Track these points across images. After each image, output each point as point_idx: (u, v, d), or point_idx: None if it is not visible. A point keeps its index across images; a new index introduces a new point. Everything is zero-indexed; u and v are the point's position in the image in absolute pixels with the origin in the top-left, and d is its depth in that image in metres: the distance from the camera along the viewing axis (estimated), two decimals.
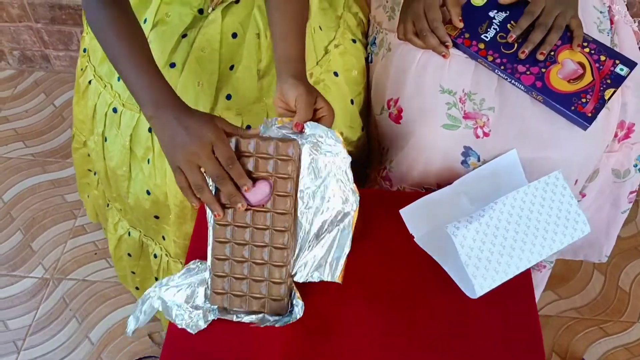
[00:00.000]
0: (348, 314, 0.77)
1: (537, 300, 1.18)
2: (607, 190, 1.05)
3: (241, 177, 0.71)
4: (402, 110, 0.93)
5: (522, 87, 0.91)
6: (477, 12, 0.96)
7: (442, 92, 0.91)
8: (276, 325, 0.74)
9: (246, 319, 0.75)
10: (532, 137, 0.90)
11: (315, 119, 0.75)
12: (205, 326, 0.75)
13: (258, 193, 0.72)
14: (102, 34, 0.77)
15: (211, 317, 0.75)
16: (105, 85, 0.95)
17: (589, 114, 0.87)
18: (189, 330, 0.75)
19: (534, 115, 0.90)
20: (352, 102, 1.00)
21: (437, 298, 0.78)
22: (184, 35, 0.92)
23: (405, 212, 0.84)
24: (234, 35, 0.92)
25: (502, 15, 0.95)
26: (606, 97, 0.89)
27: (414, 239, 0.82)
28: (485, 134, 0.90)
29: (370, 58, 1.04)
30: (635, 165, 1.02)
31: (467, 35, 0.94)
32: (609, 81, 0.90)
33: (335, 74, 0.97)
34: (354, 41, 1.02)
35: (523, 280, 0.79)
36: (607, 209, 1.09)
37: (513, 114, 0.90)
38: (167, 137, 0.71)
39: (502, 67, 0.91)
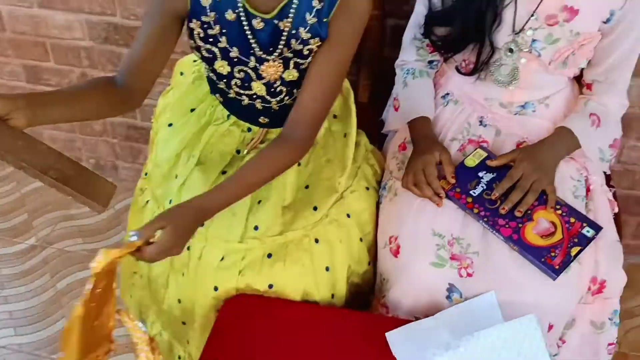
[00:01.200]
0: None
1: None
2: (588, 340, 1.15)
3: None
4: (400, 247, 1.09)
5: (501, 238, 1.06)
6: (469, 171, 1.15)
7: (433, 234, 1.07)
8: None
9: None
10: (509, 282, 1.03)
11: None
12: None
13: None
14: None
15: None
16: (159, 206, 1.15)
17: (557, 267, 1.02)
18: None
19: (512, 262, 1.05)
20: (361, 239, 1.17)
21: None
22: (223, 172, 1.12)
23: (391, 335, 0.98)
24: None
25: (490, 176, 1.14)
26: (572, 254, 1.04)
27: None
28: (469, 275, 1.05)
29: (380, 200, 1.22)
30: (611, 319, 1.12)
31: (458, 190, 1.12)
32: (576, 240, 1.06)
33: (348, 215, 1.15)
34: (368, 188, 1.21)
35: None
36: (589, 358, 1.18)
37: (494, 259, 1.05)
38: None
39: (485, 219, 1.08)
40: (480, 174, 1.14)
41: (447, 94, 1.28)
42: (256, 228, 1.07)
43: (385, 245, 1.14)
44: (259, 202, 1.09)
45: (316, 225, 1.10)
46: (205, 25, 1.01)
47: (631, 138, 1.65)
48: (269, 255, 1.07)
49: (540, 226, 1.07)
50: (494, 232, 1.07)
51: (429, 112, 1.24)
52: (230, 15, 0.99)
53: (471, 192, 1.12)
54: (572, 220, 1.08)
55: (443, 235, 1.08)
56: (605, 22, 1.13)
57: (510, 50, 1.16)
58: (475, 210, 1.09)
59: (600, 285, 1.08)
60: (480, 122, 1.24)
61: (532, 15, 1.12)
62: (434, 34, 1.21)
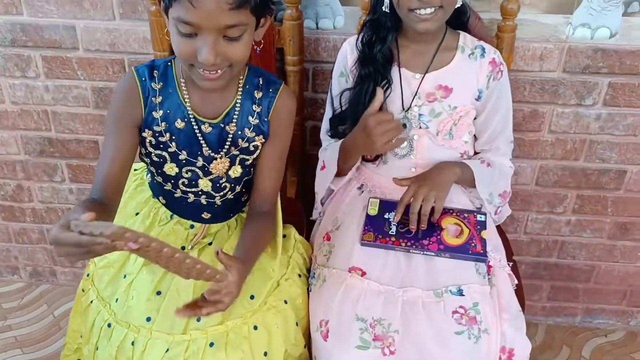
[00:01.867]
0: None
1: None
2: None
3: None
4: (329, 331, 1.20)
5: (432, 254, 1.25)
6: (377, 218, 1.33)
7: (357, 319, 1.18)
8: None
9: None
10: (429, 356, 1.14)
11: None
12: None
13: None
14: None
15: None
16: (105, 305, 1.21)
17: (481, 251, 1.26)
18: None
19: (431, 337, 1.15)
20: (297, 324, 1.26)
21: None
22: None
23: None
24: None
25: (393, 214, 1.33)
26: (484, 237, 1.28)
27: None
28: (392, 352, 1.15)
29: (310, 288, 1.32)
30: None
31: (380, 237, 1.30)
32: (478, 227, 1.29)
33: (285, 302, 1.25)
34: (300, 275, 1.32)
35: None
36: None
37: (414, 336, 1.16)
38: None
39: (414, 247, 1.26)
40: (386, 216, 1.34)
41: (362, 184, 1.46)
42: (198, 319, 1.15)
43: (317, 329, 1.24)
44: (202, 295, 1.18)
45: (255, 312, 1.19)
46: (156, 134, 1.16)
47: (532, 212, 1.86)
48: (211, 344, 1.14)
49: (451, 230, 1.30)
50: (425, 252, 1.26)
51: None
52: (179, 124, 1.16)
53: (390, 233, 1.31)
54: (467, 215, 1.32)
55: (365, 319, 1.19)
56: (477, 100, 1.37)
57: (404, 126, 1.37)
58: (403, 244, 1.28)
59: (509, 353, 1.19)
60: None
61: (415, 95, 1.35)
62: (337, 132, 1.42)
